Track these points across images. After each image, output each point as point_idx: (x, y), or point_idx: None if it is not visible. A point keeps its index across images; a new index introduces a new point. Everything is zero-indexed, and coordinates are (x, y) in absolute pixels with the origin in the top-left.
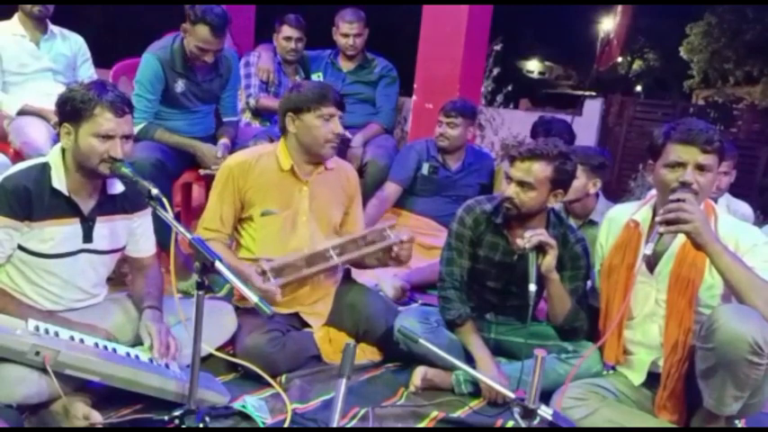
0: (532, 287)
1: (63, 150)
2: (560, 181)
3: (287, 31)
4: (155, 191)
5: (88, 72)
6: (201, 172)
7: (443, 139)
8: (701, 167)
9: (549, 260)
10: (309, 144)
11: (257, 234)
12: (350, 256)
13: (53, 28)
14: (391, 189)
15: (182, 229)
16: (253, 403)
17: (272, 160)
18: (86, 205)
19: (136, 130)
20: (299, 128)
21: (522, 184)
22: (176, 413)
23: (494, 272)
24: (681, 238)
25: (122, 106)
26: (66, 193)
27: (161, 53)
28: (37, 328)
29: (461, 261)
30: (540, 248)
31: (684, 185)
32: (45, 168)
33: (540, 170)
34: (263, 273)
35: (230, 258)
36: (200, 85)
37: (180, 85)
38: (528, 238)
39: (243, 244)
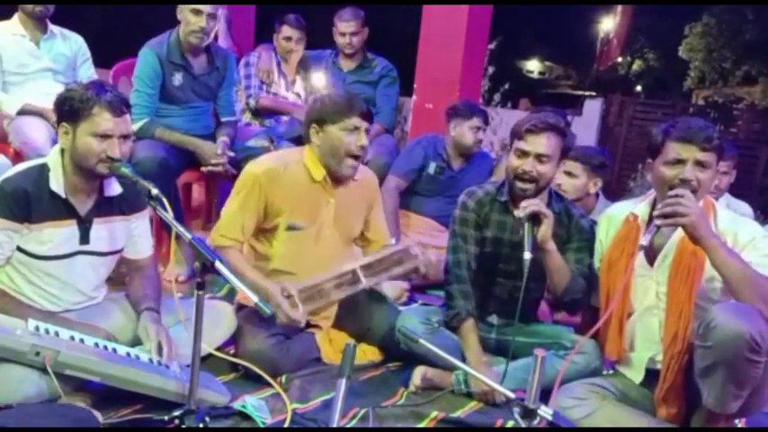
0: (527, 255)
1: (62, 151)
2: (566, 151)
3: (287, 31)
4: (155, 191)
5: (88, 72)
6: (204, 169)
7: (479, 144)
8: (700, 164)
9: (545, 229)
10: (330, 157)
11: (280, 247)
12: (378, 279)
13: (53, 28)
14: (395, 183)
15: (181, 229)
16: (253, 403)
17: (301, 170)
18: (83, 207)
19: (136, 127)
20: (322, 140)
21: (540, 156)
22: (176, 413)
23: (504, 252)
24: (680, 231)
25: (120, 106)
26: (64, 196)
27: (158, 48)
28: (37, 329)
29: (467, 247)
30: (536, 217)
31: (684, 182)
32: (43, 170)
33: (555, 141)
34: (289, 296)
35: (252, 272)
36: (197, 78)
37: (177, 78)
38: (523, 207)
39: (260, 251)
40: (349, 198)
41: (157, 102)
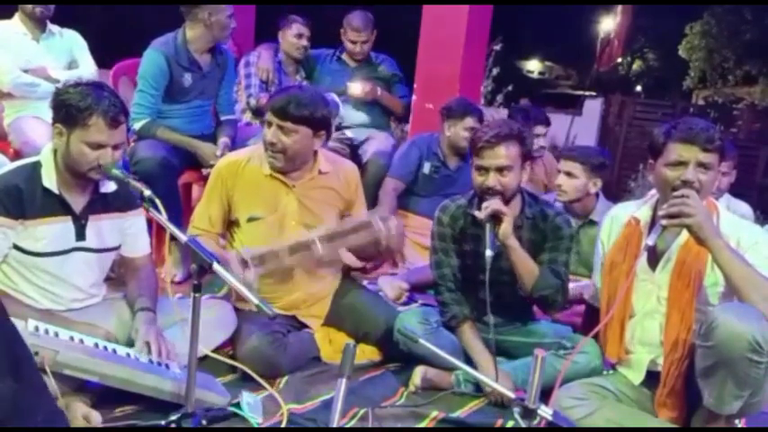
0: (489, 252)
1: (54, 150)
2: (528, 154)
3: (298, 28)
4: (147, 192)
5: (88, 67)
6: (204, 171)
7: None
8: (702, 165)
9: (505, 226)
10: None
11: (246, 239)
12: (334, 247)
13: (51, 27)
14: (393, 185)
15: (176, 231)
16: (249, 400)
17: (259, 163)
18: (78, 203)
19: (138, 126)
20: None
21: (500, 169)
22: (173, 417)
23: (483, 263)
24: (682, 237)
25: (117, 117)
26: (57, 192)
27: (165, 49)
28: (36, 329)
29: (449, 260)
30: (496, 217)
31: (686, 184)
32: (36, 167)
33: (512, 150)
34: (244, 261)
35: (212, 247)
36: (205, 76)
37: (187, 79)
38: (484, 207)
39: (232, 244)
40: (315, 191)
41: (160, 102)
